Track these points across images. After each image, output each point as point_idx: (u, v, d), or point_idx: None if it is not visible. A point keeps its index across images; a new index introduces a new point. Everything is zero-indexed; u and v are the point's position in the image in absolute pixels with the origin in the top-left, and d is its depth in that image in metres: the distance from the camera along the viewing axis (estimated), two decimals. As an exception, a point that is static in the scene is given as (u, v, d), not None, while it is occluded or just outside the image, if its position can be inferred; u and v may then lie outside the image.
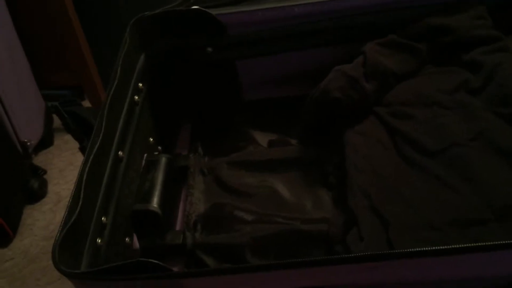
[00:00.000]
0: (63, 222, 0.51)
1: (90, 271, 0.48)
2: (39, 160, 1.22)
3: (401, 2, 0.72)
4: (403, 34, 0.72)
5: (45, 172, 1.18)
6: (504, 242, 0.44)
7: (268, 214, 0.68)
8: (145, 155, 0.72)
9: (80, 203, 0.53)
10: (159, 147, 0.77)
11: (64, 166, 1.22)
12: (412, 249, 0.45)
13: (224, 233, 0.66)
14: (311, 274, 0.48)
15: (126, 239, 0.64)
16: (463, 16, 0.70)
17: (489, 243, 0.44)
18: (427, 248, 0.45)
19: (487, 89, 0.64)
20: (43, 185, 1.15)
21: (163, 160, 0.70)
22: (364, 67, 0.70)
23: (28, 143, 1.12)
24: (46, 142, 1.25)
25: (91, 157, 0.57)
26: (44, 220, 1.09)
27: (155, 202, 0.65)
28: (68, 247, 0.50)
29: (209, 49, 0.77)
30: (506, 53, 0.67)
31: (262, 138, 0.79)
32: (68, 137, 1.28)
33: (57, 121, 1.29)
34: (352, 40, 0.75)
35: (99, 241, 0.56)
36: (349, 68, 0.70)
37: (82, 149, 0.64)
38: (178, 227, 0.71)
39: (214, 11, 0.74)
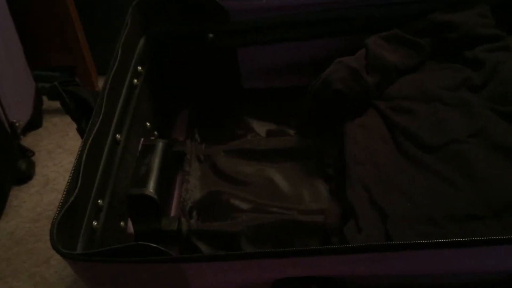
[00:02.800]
0: (61, 202, 0.50)
1: (90, 253, 0.47)
2: (27, 141, 1.20)
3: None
4: (407, 29, 0.72)
5: (33, 153, 1.16)
6: (500, 237, 0.44)
7: (264, 204, 0.67)
8: (142, 139, 0.71)
9: (79, 184, 0.52)
10: (156, 132, 0.76)
11: (52, 149, 1.20)
12: (412, 241, 0.46)
13: (219, 220, 0.66)
14: (308, 263, 0.48)
15: (121, 223, 0.63)
16: (468, 14, 0.70)
17: (485, 237, 0.45)
18: (425, 241, 0.45)
19: (488, 87, 0.65)
20: (31, 166, 1.12)
21: (160, 145, 0.69)
22: (366, 60, 0.70)
23: (17, 124, 1.09)
24: (35, 123, 1.22)
25: (91, 139, 0.56)
26: (31, 202, 1.07)
27: (151, 187, 0.64)
28: (65, 228, 0.49)
29: (211, 35, 0.76)
30: (508, 52, 0.67)
31: (260, 127, 0.78)
32: (57, 119, 1.27)
33: (46, 103, 1.26)
34: (355, 32, 0.74)
35: (95, 223, 0.56)
36: (351, 60, 0.69)
37: (79, 130, 0.63)
38: (173, 213, 0.70)
39: (217, -3, 0.73)
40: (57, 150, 1.20)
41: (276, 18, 0.74)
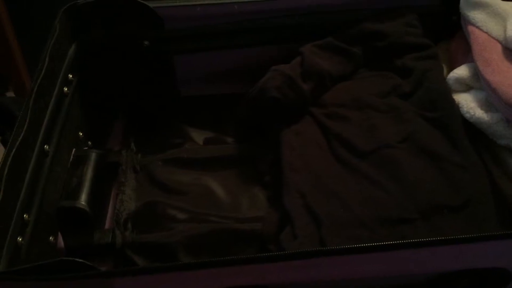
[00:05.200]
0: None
1: (10, 271, 0.45)
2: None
3: (337, 5, 0.73)
4: (340, 37, 0.73)
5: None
6: (427, 239, 0.46)
7: (201, 213, 0.67)
8: (74, 150, 0.68)
9: (0, 198, 0.50)
10: (89, 142, 0.74)
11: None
12: (342, 246, 0.46)
13: (156, 232, 0.65)
14: (243, 272, 0.48)
15: (50, 237, 0.60)
16: (396, 23, 0.72)
17: (414, 240, 0.46)
18: (355, 245, 0.46)
19: (417, 94, 0.67)
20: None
21: (93, 155, 0.68)
22: (301, 68, 0.71)
23: None
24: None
25: (13, 151, 0.54)
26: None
27: (83, 199, 0.62)
28: (-16, 245, 0.47)
29: (146, 42, 0.75)
30: (435, 60, 0.70)
31: (198, 136, 0.78)
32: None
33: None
34: (290, 41, 0.75)
35: (20, 239, 0.53)
36: (287, 68, 0.70)
37: (3, 142, 0.60)
38: (107, 226, 0.68)
39: (152, 4, 0.72)
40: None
41: (212, 26, 0.74)
